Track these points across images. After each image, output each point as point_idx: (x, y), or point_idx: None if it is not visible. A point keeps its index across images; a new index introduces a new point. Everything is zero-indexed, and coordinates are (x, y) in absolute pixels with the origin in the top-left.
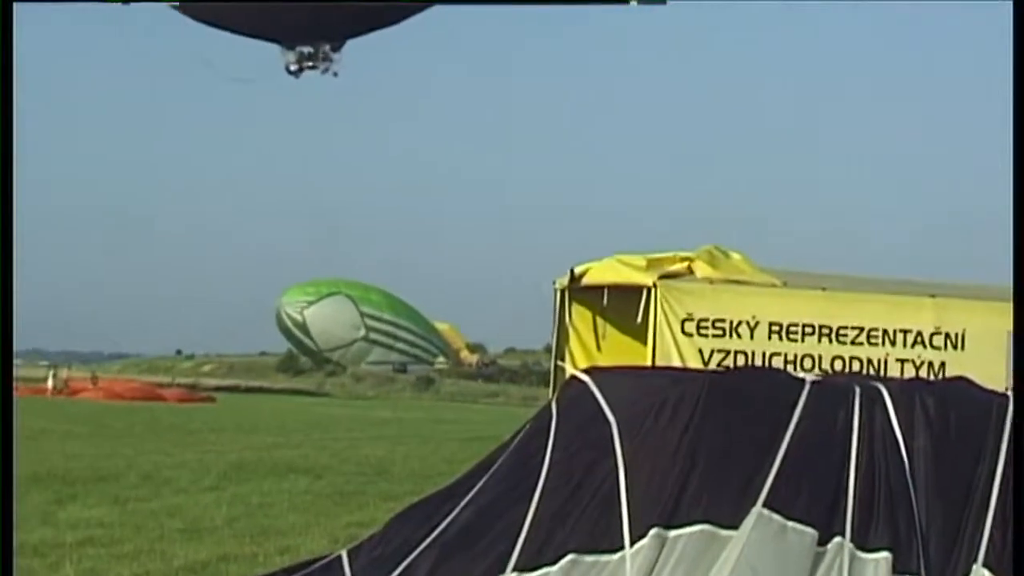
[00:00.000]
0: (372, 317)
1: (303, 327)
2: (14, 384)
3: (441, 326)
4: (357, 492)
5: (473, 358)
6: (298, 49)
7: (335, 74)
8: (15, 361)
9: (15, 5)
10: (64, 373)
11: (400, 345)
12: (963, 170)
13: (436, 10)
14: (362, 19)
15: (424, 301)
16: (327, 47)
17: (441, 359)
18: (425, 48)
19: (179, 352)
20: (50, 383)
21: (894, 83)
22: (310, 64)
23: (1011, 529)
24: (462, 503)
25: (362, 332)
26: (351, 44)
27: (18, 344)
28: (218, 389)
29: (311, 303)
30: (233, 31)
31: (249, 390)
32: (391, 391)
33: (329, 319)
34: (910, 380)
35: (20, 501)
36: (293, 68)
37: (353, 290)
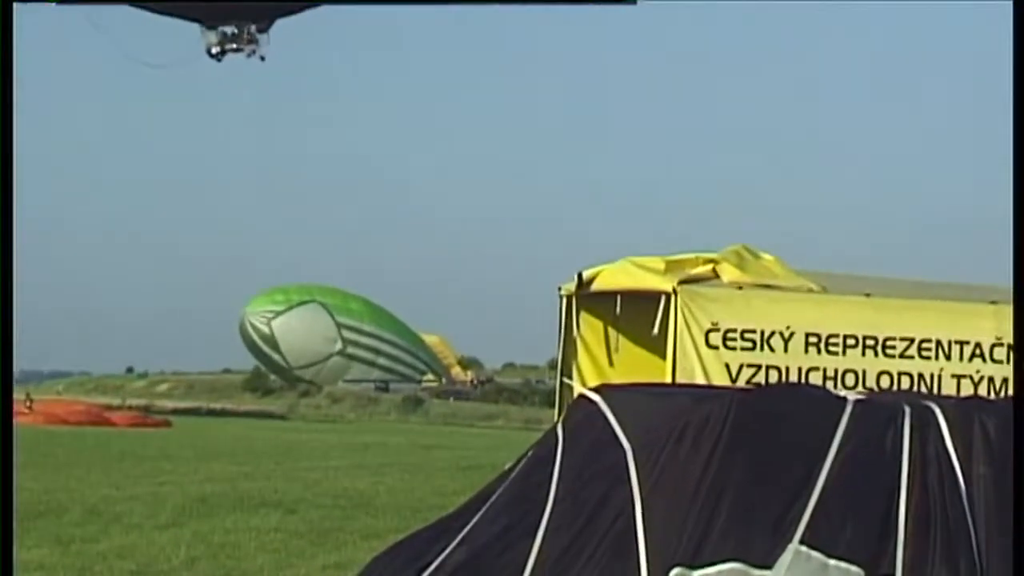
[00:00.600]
0: (350, 328)
1: (270, 340)
2: None
3: (430, 339)
4: (335, 529)
5: (466, 375)
6: (220, 30)
7: (262, 58)
8: None
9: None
10: None
11: (383, 360)
12: (963, 170)
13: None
14: None
15: (410, 311)
16: (252, 27)
17: (430, 376)
18: (419, 34)
19: (130, 369)
20: None
21: (894, 83)
22: (233, 46)
23: (1011, 530)
24: (454, 542)
25: (339, 346)
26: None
27: None
28: (175, 412)
29: (279, 313)
30: (149, 9)
31: (211, 412)
32: (373, 413)
33: (300, 331)
34: (967, 398)
35: None
36: (215, 51)
37: (329, 298)
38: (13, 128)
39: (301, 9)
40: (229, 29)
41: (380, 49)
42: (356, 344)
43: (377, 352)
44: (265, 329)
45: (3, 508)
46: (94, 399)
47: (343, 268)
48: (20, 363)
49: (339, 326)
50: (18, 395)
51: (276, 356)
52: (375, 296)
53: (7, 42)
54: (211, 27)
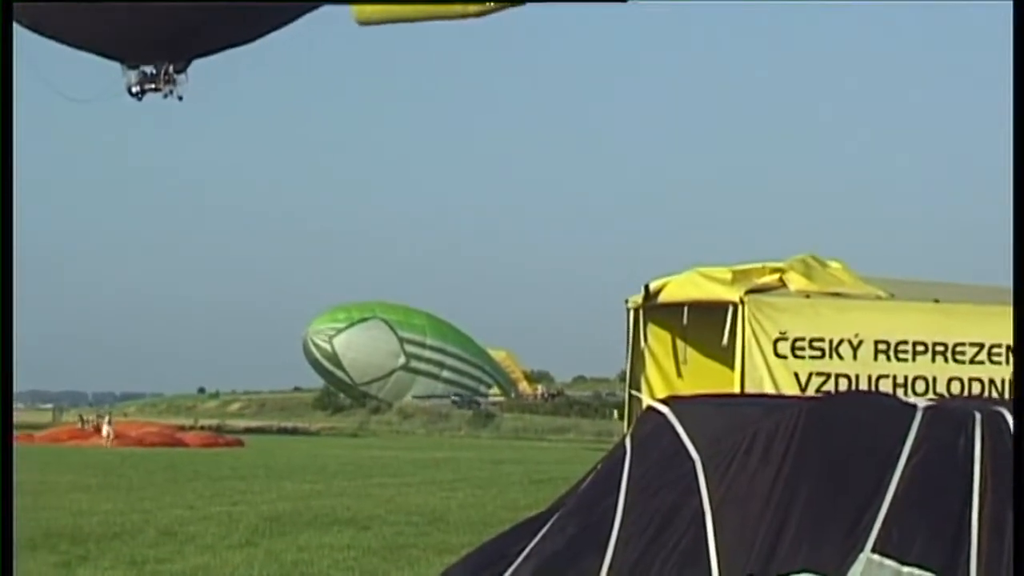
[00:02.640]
0: (413, 343)
1: (333, 358)
2: (13, 433)
3: (497, 354)
4: (408, 545)
5: (534, 389)
6: (140, 69)
7: (180, 97)
8: (17, 405)
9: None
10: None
11: (447, 374)
12: (963, 171)
13: None
14: (211, 38)
15: (479, 326)
16: (170, 67)
17: (496, 390)
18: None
19: (202, 390)
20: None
21: (893, 83)
22: (152, 86)
23: (1011, 530)
24: (524, 553)
25: (402, 360)
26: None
27: (18, 385)
28: (247, 431)
29: (341, 330)
30: (69, 45)
31: (282, 431)
32: (444, 428)
33: (363, 347)
34: None
35: (21, 566)
36: (135, 90)
37: (391, 314)
38: (13, 129)
39: (219, 50)
40: (148, 69)
41: (435, 63)
42: (419, 358)
43: (441, 365)
44: (327, 347)
45: (3, 509)
46: (167, 420)
47: (413, 285)
48: (95, 384)
49: (401, 341)
50: (90, 416)
51: (340, 373)
52: (444, 311)
53: (7, 42)
54: (132, 66)
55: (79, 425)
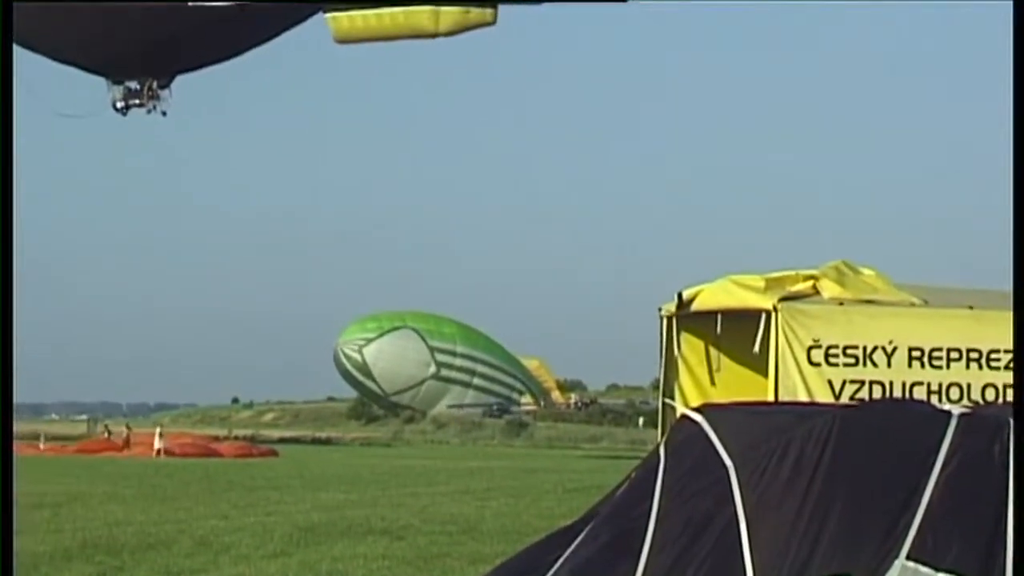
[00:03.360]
0: (444, 351)
1: (363, 368)
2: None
3: (530, 363)
4: (442, 555)
5: (566, 398)
6: (125, 85)
7: (164, 113)
8: (52, 416)
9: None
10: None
11: (478, 381)
12: (963, 171)
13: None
14: (193, 54)
15: (512, 335)
16: (154, 83)
17: (528, 398)
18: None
19: (236, 400)
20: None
21: (894, 83)
22: (136, 102)
23: (1011, 530)
24: (556, 564)
25: (432, 369)
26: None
27: (52, 396)
28: (281, 441)
29: (370, 340)
30: (55, 60)
31: (316, 441)
32: (478, 438)
33: (393, 357)
34: None
35: None
36: (120, 105)
37: (421, 323)
38: (13, 129)
39: (201, 67)
40: (133, 84)
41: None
42: (450, 367)
43: (472, 373)
44: (357, 357)
45: (3, 509)
46: (201, 430)
47: (446, 294)
48: (129, 395)
49: (432, 350)
50: (119, 428)
51: (370, 383)
52: (477, 320)
53: (7, 42)
54: (117, 82)
55: (105, 435)
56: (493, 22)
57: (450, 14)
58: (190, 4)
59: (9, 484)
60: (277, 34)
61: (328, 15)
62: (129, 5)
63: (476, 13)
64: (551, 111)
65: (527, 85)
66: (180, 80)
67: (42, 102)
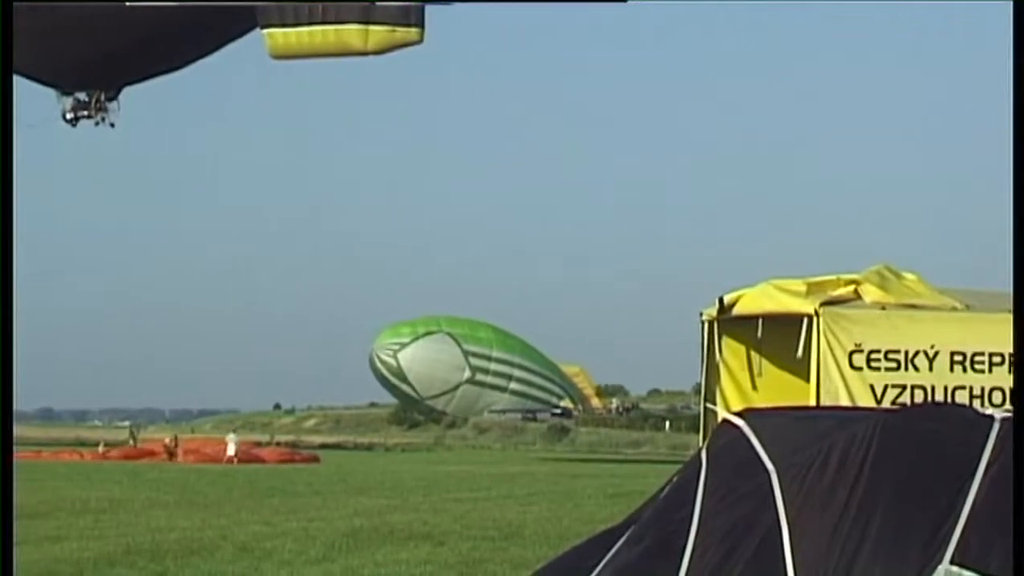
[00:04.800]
0: (479, 356)
1: (398, 373)
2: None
3: (570, 369)
4: (484, 560)
5: (605, 404)
6: (75, 96)
7: (112, 125)
8: (95, 422)
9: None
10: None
11: (515, 386)
12: (963, 171)
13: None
14: (138, 66)
15: (552, 340)
16: (101, 95)
17: (567, 402)
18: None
19: (278, 406)
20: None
21: (893, 83)
22: (84, 113)
23: (1011, 529)
24: (599, 567)
25: (467, 374)
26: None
27: (95, 403)
28: (323, 447)
29: (405, 345)
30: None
31: (358, 447)
32: (519, 443)
33: (427, 361)
34: None
35: None
36: (69, 116)
37: (456, 327)
38: (13, 131)
39: (147, 78)
40: (82, 96)
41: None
42: (485, 371)
43: (509, 378)
44: (392, 362)
45: (3, 509)
46: (243, 437)
47: (486, 301)
48: (172, 402)
49: (467, 354)
50: (166, 434)
51: (406, 387)
52: (519, 326)
53: (7, 42)
54: (66, 93)
55: (130, 443)
56: (420, 40)
57: (378, 33)
58: (128, 4)
59: (9, 484)
60: (217, 48)
61: (264, 31)
62: (74, 15)
63: (402, 32)
64: (587, 115)
65: (568, 88)
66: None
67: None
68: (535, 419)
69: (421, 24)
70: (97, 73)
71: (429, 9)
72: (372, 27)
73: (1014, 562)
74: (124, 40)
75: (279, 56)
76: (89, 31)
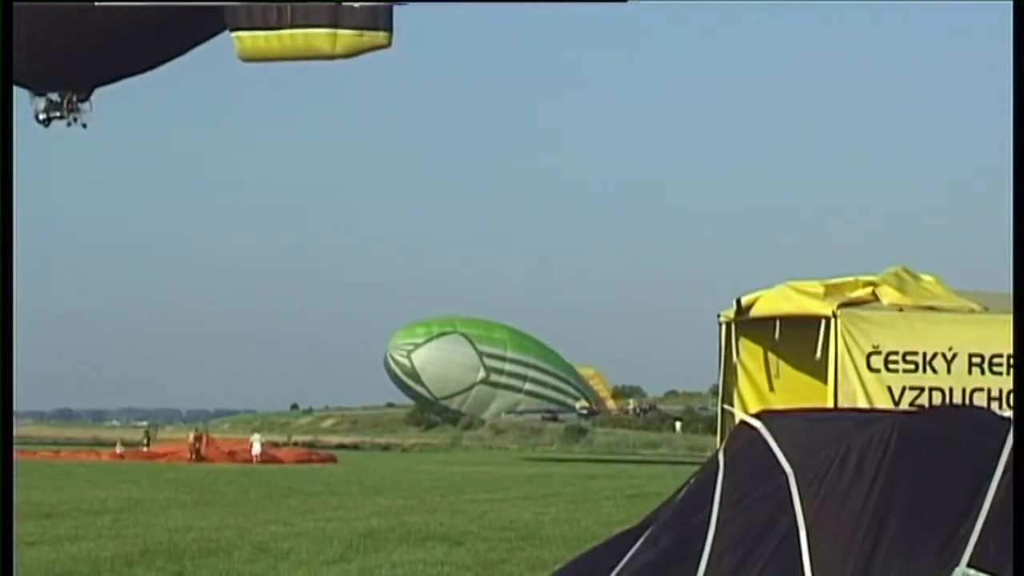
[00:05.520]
0: (493, 356)
1: (412, 373)
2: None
3: (585, 371)
4: (501, 561)
5: (620, 404)
6: (48, 97)
7: (84, 125)
8: (112, 422)
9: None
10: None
11: (530, 387)
12: (982, 172)
13: None
14: (109, 67)
15: (568, 340)
16: (73, 96)
17: (583, 403)
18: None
19: (295, 406)
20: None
21: (892, 88)
22: (56, 114)
23: (1011, 529)
24: (616, 568)
25: (481, 374)
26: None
27: (113, 403)
28: (340, 447)
29: (419, 345)
30: None
31: (375, 447)
32: (536, 444)
33: (441, 362)
34: None
35: None
36: (42, 117)
37: (470, 328)
38: (13, 129)
39: (118, 79)
40: (54, 97)
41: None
42: (499, 372)
43: (523, 379)
44: (406, 362)
45: (3, 509)
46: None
47: (504, 302)
48: (188, 402)
49: (481, 355)
50: (182, 434)
51: (420, 388)
52: (535, 327)
53: (7, 42)
54: (39, 94)
55: (144, 444)
56: (388, 44)
57: (346, 37)
58: (97, 4)
59: (9, 484)
60: (187, 49)
61: (232, 34)
62: (45, 15)
63: (369, 36)
64: (607, 116)
65: (587, 89)
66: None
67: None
68: (556, 419)
69: (389, 28)
70: (69, 74)
71: (445, 9)
72: (340, 31)
73: (1014, 560)
74: (95, 40)
75: (248, 59)
76: (60, 31)
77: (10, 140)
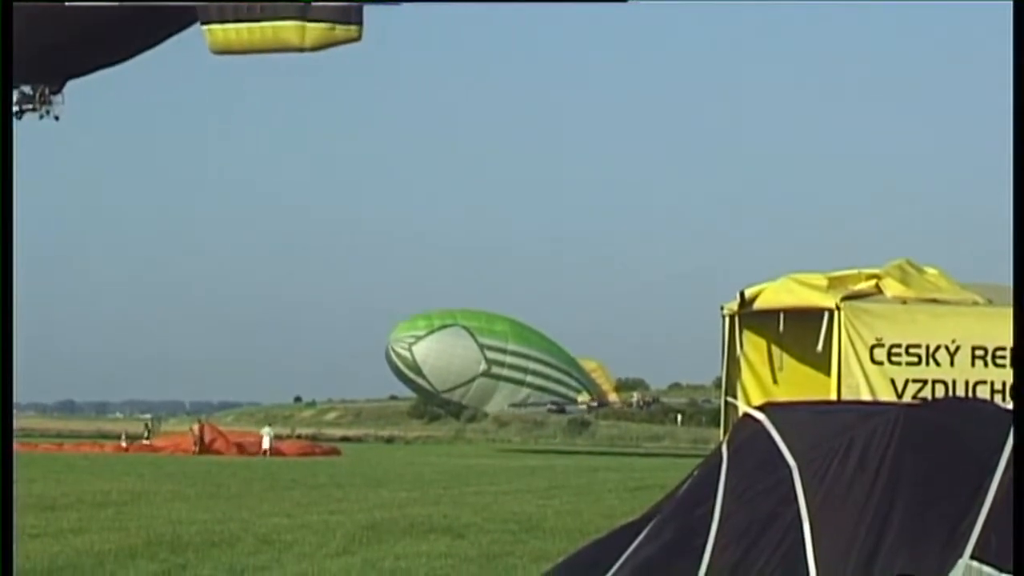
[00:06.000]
0: (494, 349)
1: (413, 366)
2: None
3: (588, 364)
4: (505, 553)
5: (624, 398)
6: (20, 89)
7: (56, 118)
8: (116, 414)
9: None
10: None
11: (531, 379)
12: (963, 171)
13: None
14: (80, 60)
15: (570, 332)
16: (46, 89)
17: (584, 395)
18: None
19: (298, 399)
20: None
21: (894, 83)
22: (29, 106)
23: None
24: (619, 561)
25: (483, 367)
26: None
27: (117, 395)
28: (344, 439)
29: (420, 338)
30: None
31: (379, 440)
32: (540, 436)
33: (442, 355)
34: None
35: (123, 574)
36: (15, 109)
37: (472, 320)
38: (12, 128)
39: (94, 70)
40: (27, 89)
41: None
42: (501, 364)
43: (525, 371)
44: (407, 355)
45: (3, 508)
46: (263, 429)
47: (507, 295)
48: (192, 394)
49: (482, 347)
50: (184, 427)
51: (421, 381)
52: (538, 319)
53: (7, 42)
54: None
55: (144, 437)
56: (358, 38)
57: (316, 30)
58: (67, 4)
59: (9, 484)
60: (158, 42)
61: (204, 27)
62: (19, 12)
63: (341, 30)
64: (611, 109)
65: (589, 83)
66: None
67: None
68: (564, 411)
69: (359, 22)
70: (41, 67)
71: (445, 9)
72: (309, 24)
73: (1014, 558)
74: (66, 32)
75: (219, 51)
76: (32, 26)
77: (10, 140)
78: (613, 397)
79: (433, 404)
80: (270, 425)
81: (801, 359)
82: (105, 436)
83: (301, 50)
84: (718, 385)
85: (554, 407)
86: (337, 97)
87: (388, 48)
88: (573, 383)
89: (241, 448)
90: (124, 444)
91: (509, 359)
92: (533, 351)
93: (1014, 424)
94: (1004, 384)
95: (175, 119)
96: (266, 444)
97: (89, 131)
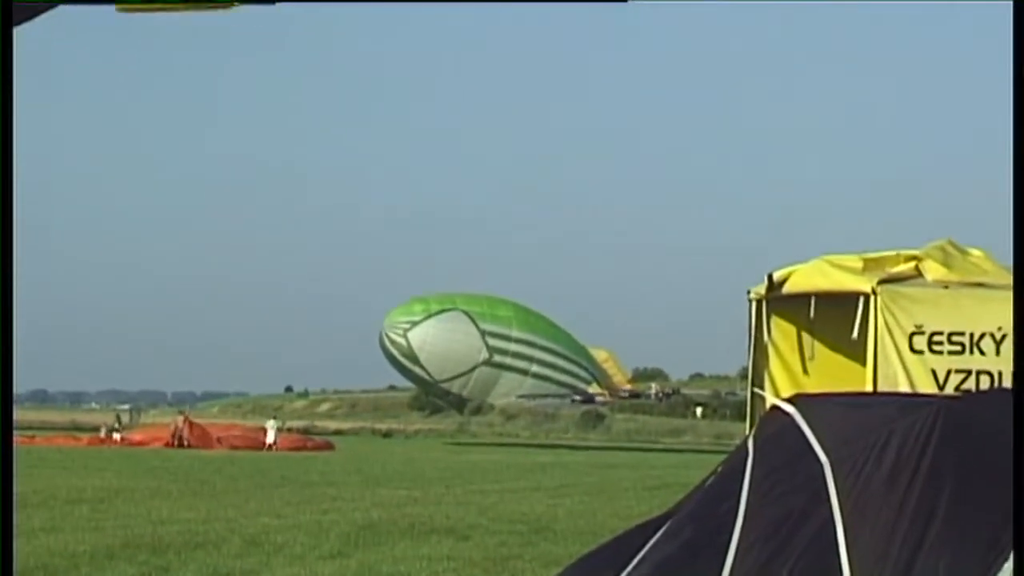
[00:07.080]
0: (497, 336)
1: (409, 353)
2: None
3: (599, 353)
4: (512, 557)
5: (644, 389)
6: None
7: None
8: (92, 405)
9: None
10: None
11: (537, 369)
12: (963, 170)
13: None
14: None
15: (584, 321)
16: None
17: (596, 386)
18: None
19: (290, 389)
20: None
21: (893, 83)
22: None
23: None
24: (635, 560)
25: (484, 355)
26: None
27: (93, 384)
28: (338, 433)
29: (416, 323)
30: None
31: (376, 433)
32: (550, 430)
33: (440, 341)
34: None
35: None
36: None
37: (472, 305)
38: (13, 128)
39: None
40: None
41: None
42: (504, 352)
43: (530, 360)
44: (402, 341)
45: (3, 508)
46: (252, 421)
47: (523, 284)
48: (174, 384)
49: (483, 333)
50: (168, 419)
51: (417, 369)
52: (550, 307)
53: (7, 42)
54: None
55: (115, 430)
56: None
57: None
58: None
59: (9, 483)
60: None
61: None
62: None
63: None
64: (630, 95)
65: (601, 72)
66: None
67: None
68: (584, 402)
69: None
70: None
71: (446, 9)
72: None
73: (1015, 561)
74: None
75: (124, 9)
76: None
77: (10, 140)
78: (627, 387)
79: (432, 395)
80: (250, 415)
81: (834, 347)
82: (80, 428)
83: (215, 7)
84: (743, 376)
85: (576, 398)
86: (335, 85)
87: (385, 42)
88: (583, 373)
89: (242, 443)
90: (103, 436)
91: (513, 347)
92: (539, 338)
93: (1014, 419)
94: None
95: (157, 100)
96: (271, 438)
97: (79, 121)
